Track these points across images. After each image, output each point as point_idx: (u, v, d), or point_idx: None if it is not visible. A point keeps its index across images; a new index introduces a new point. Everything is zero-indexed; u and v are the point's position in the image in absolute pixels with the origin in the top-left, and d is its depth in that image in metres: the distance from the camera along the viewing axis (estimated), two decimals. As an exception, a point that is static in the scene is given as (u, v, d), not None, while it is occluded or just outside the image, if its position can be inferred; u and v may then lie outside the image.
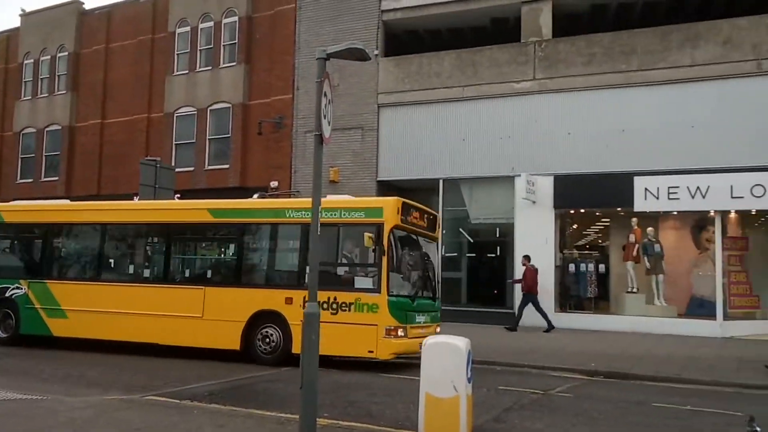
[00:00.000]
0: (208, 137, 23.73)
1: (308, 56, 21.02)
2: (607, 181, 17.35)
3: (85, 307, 12.97)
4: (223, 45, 23.86)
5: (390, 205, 11.16)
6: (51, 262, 14.13)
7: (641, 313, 17.35)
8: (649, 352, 13.62)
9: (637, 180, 16.94)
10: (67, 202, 15.41)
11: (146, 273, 13.24)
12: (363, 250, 11.36)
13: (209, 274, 12.74)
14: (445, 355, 6.45)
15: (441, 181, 19.52)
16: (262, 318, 11.62)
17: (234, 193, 19.74)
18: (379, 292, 10.82)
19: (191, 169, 23.56)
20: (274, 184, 21.97)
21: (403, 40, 22.21)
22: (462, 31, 21.92)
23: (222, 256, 13.09)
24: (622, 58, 17.97)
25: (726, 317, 16.54)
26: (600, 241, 19.97)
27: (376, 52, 20.46)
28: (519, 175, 18.18)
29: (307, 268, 11.36)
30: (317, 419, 6.54)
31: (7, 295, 13.88)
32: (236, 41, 23.52)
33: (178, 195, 18.07)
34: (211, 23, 24.10)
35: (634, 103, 17.66)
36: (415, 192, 18.34)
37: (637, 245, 17.84)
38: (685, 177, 16.54)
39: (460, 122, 19.61)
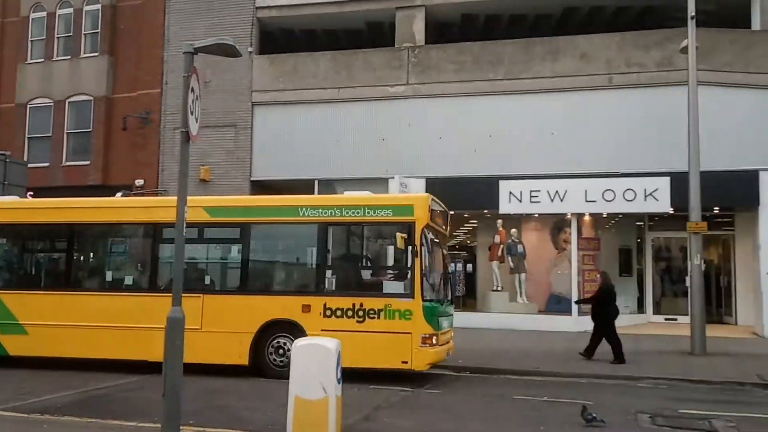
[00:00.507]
0: (66, 131, 22.21)
1: (178, 50, 19.79)
2: (475, 184, 18.07)
3: (52, 321, 11.29)
4: (85, 33, 22.40)
5: (421, 202, 10.51)
6: (3, 269, 12.37)
7: (505, 310, 18.30)
8: (512, 347, 14.37)
9: (502, 183, 17.78)
10: (16, 198, 13.28)
11: (130, 280, 11.78)
12: (390, 251, 10.68)
13: (207, 280, 11.52)
14: (315, 356, 6.41)
15: (316, 182, 19.42)
16: (272, 328, 10.59)
17: (95, 191, 18.56)
18: (413, 297, 10.07)
19: (46, 164, 21.94)
20: (139, 182, 20.91)
21: (279, 38, 21.94)
22: (337, 33, 22.01)
23: (222, 259, 11.75)
24: (489, 67, 18.80)
25: (580, 313, 17.71)
26: (468, 241, 20.80)
27: (249, 49, 20.05)
28: (393, 177, 18.51)
29: (328, 272, 10.75)
30: (182, 427, 6.29)
31: None
32: (99, 30, 22.16)
33: (31, 193, 16.71)
34: (71, 9, 22.54)
35: (501, 110, 18.52)
36: (289, 192, 18.10)
37: (501, 246, 18.77)
38: (545, 181, 17.59)
39: (336, 123, 19.65)
